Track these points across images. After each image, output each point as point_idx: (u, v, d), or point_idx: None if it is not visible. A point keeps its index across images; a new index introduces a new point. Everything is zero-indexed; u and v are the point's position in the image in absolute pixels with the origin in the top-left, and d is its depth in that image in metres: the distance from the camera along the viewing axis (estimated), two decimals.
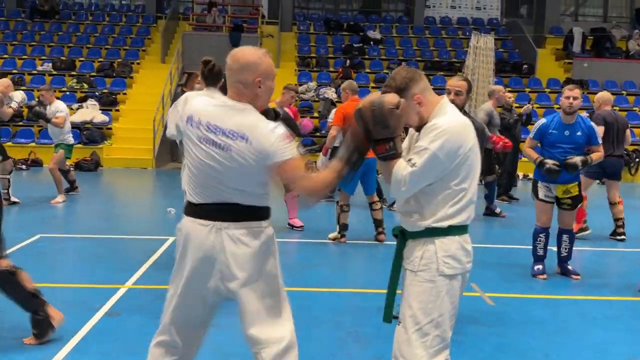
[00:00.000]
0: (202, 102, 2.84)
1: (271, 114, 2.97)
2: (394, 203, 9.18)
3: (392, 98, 2.72)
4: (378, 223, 7.49)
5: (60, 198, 9.72)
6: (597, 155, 5.94)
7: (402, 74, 2.78)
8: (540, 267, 6.15)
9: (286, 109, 7.11)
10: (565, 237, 6.10)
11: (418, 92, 2.75)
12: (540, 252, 6.14)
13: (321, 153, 7.47)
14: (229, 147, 2.70)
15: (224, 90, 3.31)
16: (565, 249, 6.12)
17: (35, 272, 5.85)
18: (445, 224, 2.72)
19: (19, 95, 9.69)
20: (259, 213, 2.82)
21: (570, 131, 5.86)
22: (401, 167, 2.68)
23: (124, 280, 5.59)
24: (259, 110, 2.80)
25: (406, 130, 3.01)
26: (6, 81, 8.86)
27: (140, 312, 4.78)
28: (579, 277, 6.08)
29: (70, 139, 9.96)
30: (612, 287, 5.94)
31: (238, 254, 2.75)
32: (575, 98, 5.80)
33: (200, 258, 2.78)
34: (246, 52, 2.77)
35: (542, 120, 6.07)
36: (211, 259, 2.77)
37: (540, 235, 6.11)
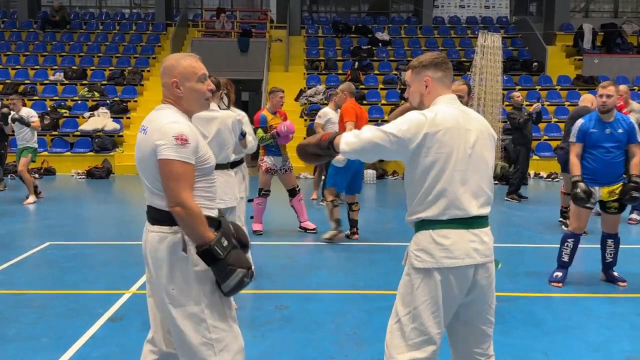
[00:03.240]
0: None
1: None
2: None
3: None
4: (353, 223, 7.77)
5: (31, 198, 10.22)
6: (637, 164, 5.63)
7: (431, 55, 2.92)
8: (560, 274, 5.88)
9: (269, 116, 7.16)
10: (610, 241, 5.83)
11: (430, 76, 2.85)
12: (565, 258, 5.85)
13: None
14: (138, 141, 2.75)
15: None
16: (611, 254, 5.84)
17: (42, 279, 6.00)
18: (414, 218, 2.79)
19: None
20: (167, 217, 2.67)
21: (611, 129, 5.64)
22: (349, 133, 2.84)
23: (129, 286, 5.65)
24: (193, 112, 2.81)
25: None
26: None
27: (143, 317, 4.82)
28: (625, 284, 5.80)
29: (36, 144, 10.61)
30: (616, 285, 5.88)
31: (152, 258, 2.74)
32: (609, 96, 5.56)
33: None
34: (169, 57, 2.81)
35: (580, 121, 5.78)
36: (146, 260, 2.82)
37: (569, 240, 5.83)
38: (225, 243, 2.63)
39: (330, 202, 7.53)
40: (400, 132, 2.70)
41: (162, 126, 2.63)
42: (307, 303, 5.23)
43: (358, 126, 7.34)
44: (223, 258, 2.60)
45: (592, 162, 5.68)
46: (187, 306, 2.67)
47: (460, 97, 5.44)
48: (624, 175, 5.78)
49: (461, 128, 2.75)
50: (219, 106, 5.01)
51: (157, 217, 2.71)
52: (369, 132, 2.75)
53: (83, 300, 5.27)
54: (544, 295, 5.57)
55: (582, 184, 5.60)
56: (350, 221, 7.76)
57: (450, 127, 2.72)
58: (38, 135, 15.52)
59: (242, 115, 5.41)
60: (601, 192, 5.69)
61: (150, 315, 2.98)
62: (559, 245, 5.96)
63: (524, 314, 5.02)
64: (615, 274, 5.93)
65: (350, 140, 2.78)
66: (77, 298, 5.35)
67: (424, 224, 2.76)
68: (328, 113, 10.22)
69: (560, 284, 5.82)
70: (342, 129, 7.26)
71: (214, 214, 2.76)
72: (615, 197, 5.68)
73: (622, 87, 9.28)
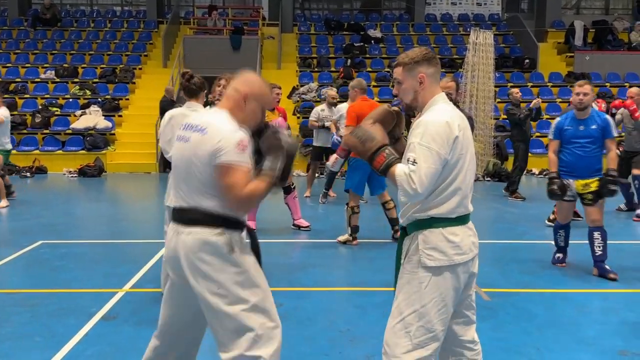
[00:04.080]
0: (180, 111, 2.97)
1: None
2: None
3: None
4: (394, 222, 7.36)
5: (3, 202, 9.91)
6: (612, 159, 5.90)
7: (422, 51, 2.89)
8: (561, 255, 6.40)
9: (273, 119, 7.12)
10: (596, 234, 5.97)
11: (424, 73, 2.84)
12: (562, 243, 6.38)
13: (335, 154, 7.26)
14: (189, 139, 2.80)
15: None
16: (599, 247, 5.95)
17: (35, 278, 5.98)
18: (425, 215, 2.78)
19: None
20: (210, 219, 2.79)
21: (584, 125, 5.94)
22: (401, 170, 2.71)
23: (122, 284, 5.64)
24: (241, 125, 2.86)
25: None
26: None
27: (136, 315, 4.83)
28: (616, 276, 5.88)
29: (8, 145, 10.07)
30: (609, 280, 5.92)
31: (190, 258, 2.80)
32: (585, 94, 5.85)
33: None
34: (253, 74, 3.00)
35: (557, 119, 6.20)
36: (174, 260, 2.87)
37: (560, 230, 6.35)
38: (270, 166, 2.81)
39: (350, 209, 7.19)
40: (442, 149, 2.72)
41: (224, 130, 2.74)
42: (301, 300, 5.24)
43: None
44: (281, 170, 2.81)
45: (568, 156, 6.03)
46: (234, 305, 2.76)
47: (449, 94, 5.53)
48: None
49: (467, 126, 2.84)
50: (203, 105, 5.06)
51: (202, 218, 2.77)
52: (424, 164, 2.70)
53: (76, 299, 5.25)
54: (536, 291, 5.60)
55: (557, 180, 5.98)
56: (390, 221, 7.38)
57: (464, 127, 2.79)
58: (29, 133, 15.55)
59: None
60: (575, 185, 5.98)
61: (164, 316, 3.01)
62: (551, 242, 6.26)
63: (516, 309, 5.04)
64: (607, 267, 6.00)
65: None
66: (70, 297, 5.34)
67: (433, 222, 2.78)
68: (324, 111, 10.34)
69: (564, 264, 6.36)
70: (351, 123, 6.91)
71: (230, 212, 2.83)
72: (589, 190, 5.92)
73: (634, 90, 9.26)
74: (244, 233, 2.91)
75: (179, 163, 2.82)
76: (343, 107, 9.65)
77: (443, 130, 2.70)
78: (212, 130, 2.73)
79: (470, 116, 6.10)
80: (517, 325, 4.67)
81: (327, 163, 7.44)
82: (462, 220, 2.82)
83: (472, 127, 5.99)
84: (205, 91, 5.24)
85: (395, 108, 3.04)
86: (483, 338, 4.29)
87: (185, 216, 2.81)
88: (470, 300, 2.98)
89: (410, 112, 11.38)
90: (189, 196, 2.79)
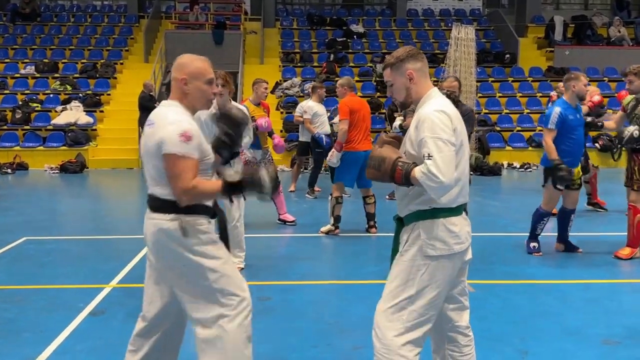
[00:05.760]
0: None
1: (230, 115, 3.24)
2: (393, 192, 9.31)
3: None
4: (370, 216, 7.59)
5: None
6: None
7: (406, 49, 2.96)
8: (537, 244, 6.58)
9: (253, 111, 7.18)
10: (572, 216, 6.58)
11: (412, 69, 2.91)
12: (539, 232, 6.58)
13: (333, 149, 7.40)
14: (145, 134, 2.93)
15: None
16: (570, 227, 6.62)
17: (19, 275, 5.94)
18: (427, 206, 2.84)
19: None
20: (163, 206, 2.91)
21: (579, 114, 6.29)
22: (418, 169, 2.75)
23: (109, 280, 5.64)
24: (196, 110, 3.00)
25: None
26: None
27: (124, 310, 4.83)
28: (581, 250, 6.59)
29: None
30: (591, 270, 6.03)
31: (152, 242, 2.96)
32: (585, 85, 6.22)
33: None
34: (183, 56, 3.02)
35: (557, 109, 6.13)
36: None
37: (545, 218, 6.50)
38: (233, 176, 2.88)
39: (335, 199, 7.39)
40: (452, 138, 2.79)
41: (167, 123, 2.83)
42: (288, 294, 5.28)
43: (358, 121, 7.34)
44: (240, 182, 2.86)
45: (571, 145, 6.16)
46: (196, 283, 2.90)
47: (453, 92, 5.81)
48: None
49: (462, 121, 2.92)
50: None
51: (158, 205, 2.92)
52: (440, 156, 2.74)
53: (63, 295, 5.25)
54: (520, 282, 5.69)
55: (564, 166, 6.04)
56: (367, 215, 7.59)
57: (459, 120, 2.87)
58: (9, 129, 15.38)
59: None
60: (574, 172, 6.23)
61: (146, 295, 3.11)
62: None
63: (500, 300, 5.13)
64: (573, 242, 6.64)
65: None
66: (57, 292, 5.33)
67: (435, 213, 2.84)
68: (313, 107, 10.26)
69: (541, 253, 6.52)
70: (345, 116, 7.27)
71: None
72: (579, 176, 6.40)
73: None
74: (207, 218, 2.97)
75: (143, 155, 2.97)
76: (314, 105, 10.05)
77: (447, 120, 2.78)
78: (158, 122, 2.86)
79: (471, 110, 6.23)
80: (502, 316, 4.75)
81: (327, 159, 7.58)
82: (460, 210, 2.91)
83: (473, 121, 6.14)
84: None
85: (395, 135, 3.11)
86: None
87: (149, 203, 2.98)
88: (463, 286, 3.06)
89: (393, 108, 11.52)
90: (150, 185, 2.96)
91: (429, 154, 2.71)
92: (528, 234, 6.63)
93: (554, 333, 4.41)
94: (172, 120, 2.83)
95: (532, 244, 6.57)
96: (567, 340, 4.28)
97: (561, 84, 7.07)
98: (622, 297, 5.24)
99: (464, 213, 2.96)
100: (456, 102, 5.98)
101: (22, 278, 5.83)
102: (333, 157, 7.31)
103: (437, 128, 2.75)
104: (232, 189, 2.86)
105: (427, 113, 2.81)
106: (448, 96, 5.77)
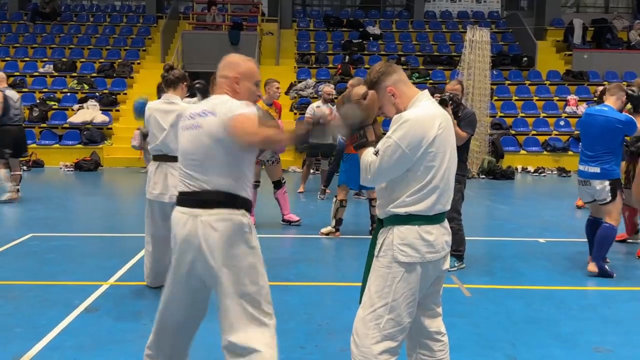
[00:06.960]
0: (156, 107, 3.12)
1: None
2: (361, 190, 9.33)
3: (358, 90, 2.93)
4: (374, 219, 7.48)
5: None
6: None
7: (376, 69, 2.96)
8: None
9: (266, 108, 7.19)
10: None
11: (390, 85, 2.91)
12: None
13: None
14: (199, 125, 2.93)
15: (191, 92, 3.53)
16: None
17: (21, 271, 6.02)
18: (402, 210, 2.82)
19: None
20: (231, 200, 2.92)
21: None
22: (368, 155, 2.85)
23: (107, 277, 5.69)
24: None
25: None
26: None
27: (118, 307, 4.88)
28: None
29: None
30: (591, 277, 5.95)
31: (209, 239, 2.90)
32: None
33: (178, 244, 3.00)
34: (233, 55, 3.11)
35: (623, 114, 5.90)
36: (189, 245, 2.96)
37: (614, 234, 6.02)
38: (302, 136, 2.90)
39: (339, 202, 7.37)
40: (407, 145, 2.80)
41: (230, 104, 2.89)
42: (283, 294, 5.27)
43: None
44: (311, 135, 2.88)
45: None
46: (245, 286, 2.91)
47: (455, 95, 5.82)
48: None
49: (449, 125, 2.90)
50: (182, 97, 5.14)
51: (221, 199, 2.90)
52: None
53: (60, 291, 5.30)
54: (517, 287, 5.63)
55: None
56: (372, 217, 7.51)
57: (445, 126, 2.84)
58: (26, 127, 15.56)
59: None
60: None
61: (156, 319, 3.14)
62: (538, 239, 6.13)
63: (495, 305, 5.08)
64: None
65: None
66: (54, 289, 5.39)
67: (410, 219, 2.82)
68: (322, 108, 10.25)
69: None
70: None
71: (246, 195, 2.99)
72: None
73: None
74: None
75: (195, 150, 2.92)
76: (322, 107, 9.93)
77: (419, 129, 2.75)
78: (220, 108, 2.90)
79: (473, 113, 6.18)
80: (494, 321, 4.71)
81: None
82: (438, 219, 2.87)
83: (475, 124, 6.10)
84: (186, 83, 5.27)
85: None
86: (459, 333, 4.36)
87: (205, 198, 2.90)
88: (437, 294, 3.05)
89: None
90: (208, 180, 2.90)
91: (377, 152, 2.79)
92: (532, 239, 6.50)
93: (546, 339, 4.36)
94: (236, 104, 2.90)
95: (605, 264, 6.03)
96: (557, 347, 4.23)
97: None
98: (619, 305, 5.16)
99: (444, 222, 2.93)
100: (458, 105, 5.94)
101: (21, 274, 5.91)
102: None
103: (401, 133, 2.75)
104: (301, 137, 2.89)
105: (406, 116, 2.80)
106: (450, 99, 5.79)
